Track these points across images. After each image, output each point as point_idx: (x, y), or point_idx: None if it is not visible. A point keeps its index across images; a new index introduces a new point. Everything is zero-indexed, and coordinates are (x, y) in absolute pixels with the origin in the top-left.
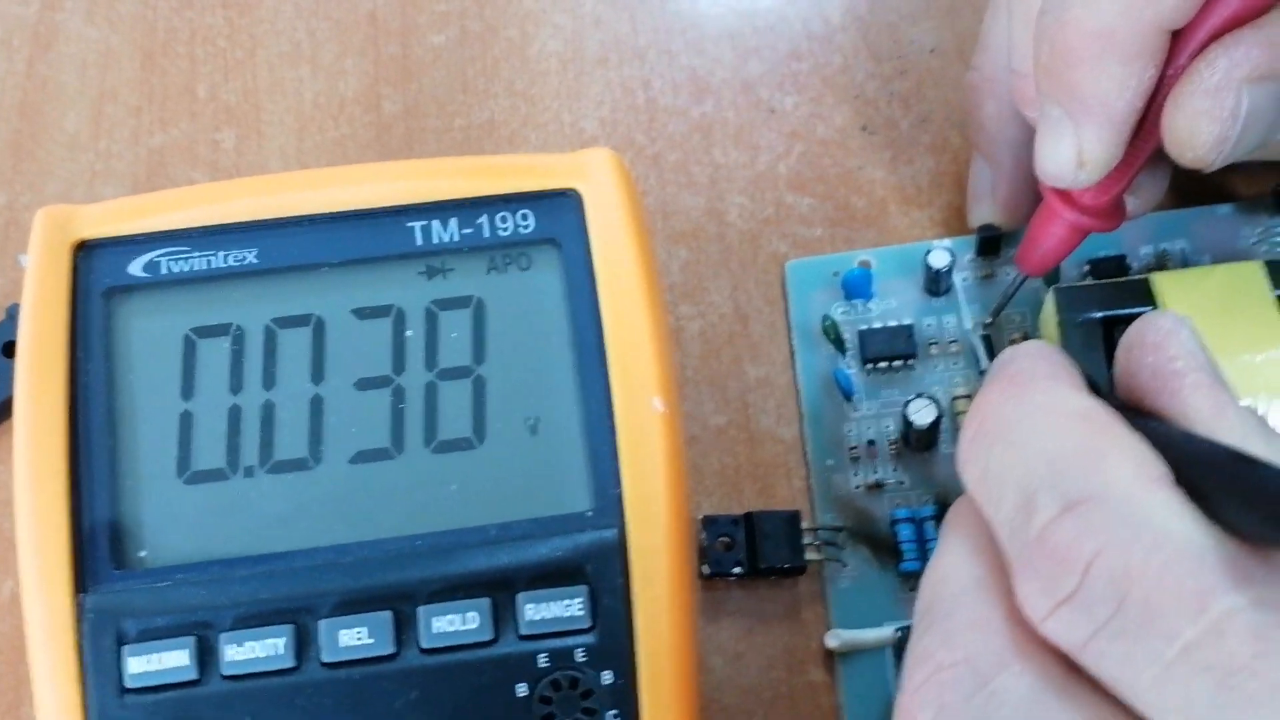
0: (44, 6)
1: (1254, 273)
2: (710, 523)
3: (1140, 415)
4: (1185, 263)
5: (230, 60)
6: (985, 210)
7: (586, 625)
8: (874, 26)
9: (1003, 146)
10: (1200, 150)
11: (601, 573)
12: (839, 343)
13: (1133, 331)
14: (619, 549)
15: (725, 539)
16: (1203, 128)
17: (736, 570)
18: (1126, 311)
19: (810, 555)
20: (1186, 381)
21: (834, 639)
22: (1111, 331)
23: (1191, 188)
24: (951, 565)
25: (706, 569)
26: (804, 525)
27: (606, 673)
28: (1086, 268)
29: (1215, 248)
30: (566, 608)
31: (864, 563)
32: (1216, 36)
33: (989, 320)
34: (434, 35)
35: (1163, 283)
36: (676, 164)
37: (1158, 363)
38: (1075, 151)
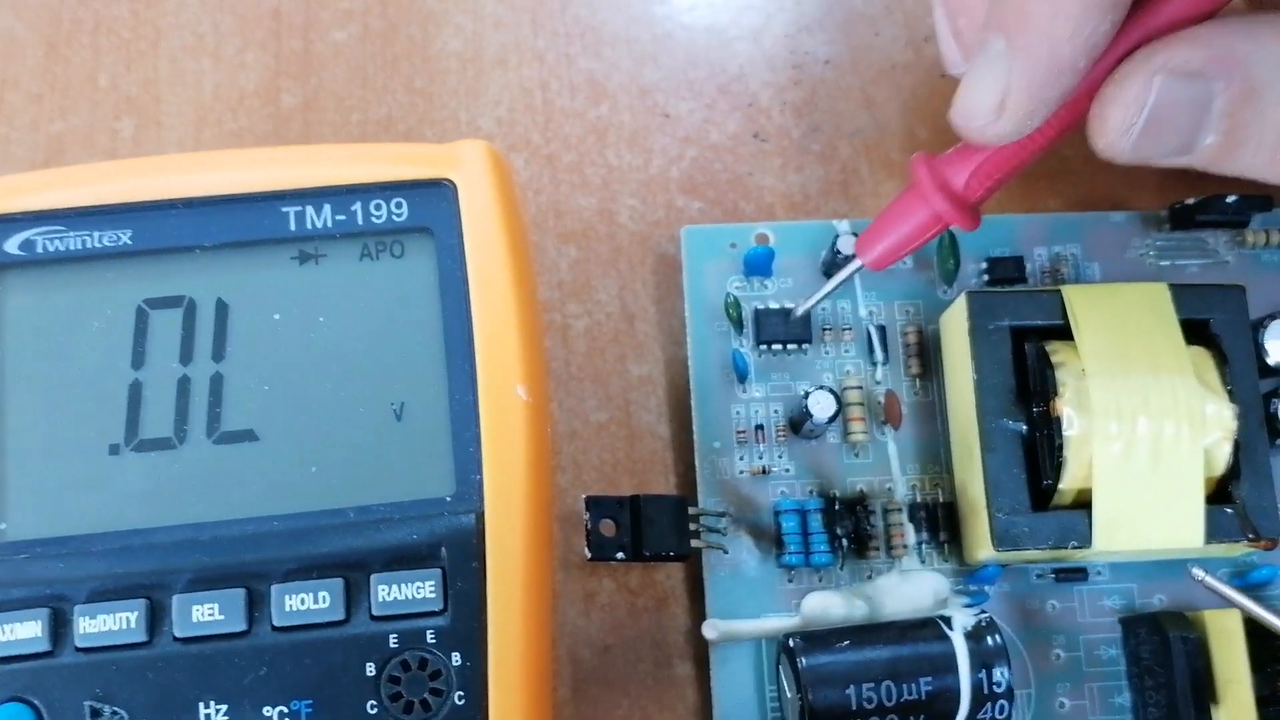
0: None
1: (1161, 294)
2: (595, 504)
3: None
4: (1077, 267)
5: (133, 51)
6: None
7: (438, 608)
8: (770, 36)
9: None
10: (1109, 136)
11: (457, 556)
12: (738, 322)
13: None
14: (476, 534)
15: (609, 521)
16: (1108, 113)
17: (620, 555)
18: (1037, 324)
19: (694, 543)
20: None
21: (711, 629)
22: (1021, 340)
23: (1087, 194)
24: None
25: (589, 552)
26: (690, 512)
27: (455, 654)
28: (985, 264)
29: (1105, 255)
30: (419, 590)
31: (745, 552)
32: (1160, 34)
33: (799, 311)
34: (336, 31)
35: (1074, 296)
36: (570, 165)
37: None
38: (1000, 93)
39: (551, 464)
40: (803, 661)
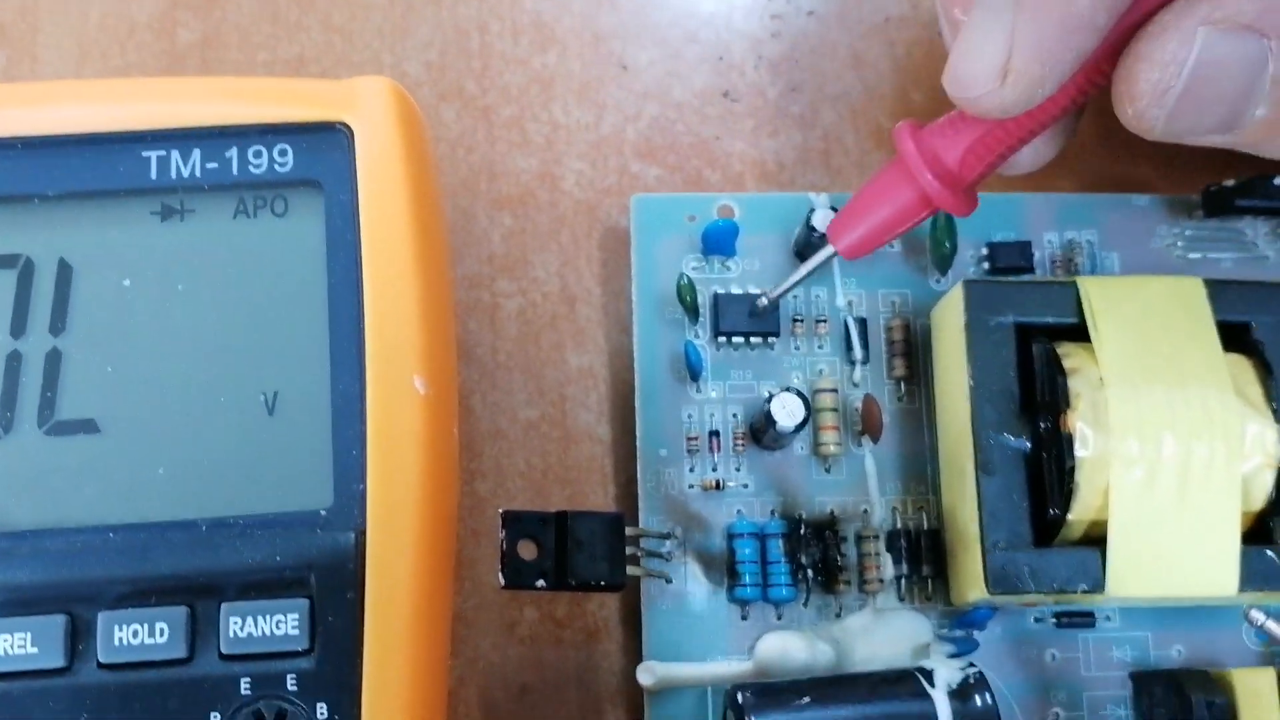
0: None
1: (1195, 291)
2: (513, 520)
3: None
4: (1094, 257)
5: None
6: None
7: (303, 647)
8: None
9: None
10: (1139, 103)
11: (328, 584)
12: (694, 309)
13: None
14: (354, 556)
15: (530, 542)
16: (1139, 74)
17: (540, 584)
18: (1048, 321)
19: (630, 569)
20: None
21: (647, 674)
22: (1028, 340)
23: (1106, 173)
24: None
25: (502, 579)
26: (628, 533)
27: (321, 705)
28: (985, 250)
29: (1126, 244)
30: (279, 624)
31: (692, 582)
32: None
33: (764, 301)
34: None
35: (1093, 289)
36: (510, 119)
37: None
38: (1003, 54)
39: (456, 472)
40: None
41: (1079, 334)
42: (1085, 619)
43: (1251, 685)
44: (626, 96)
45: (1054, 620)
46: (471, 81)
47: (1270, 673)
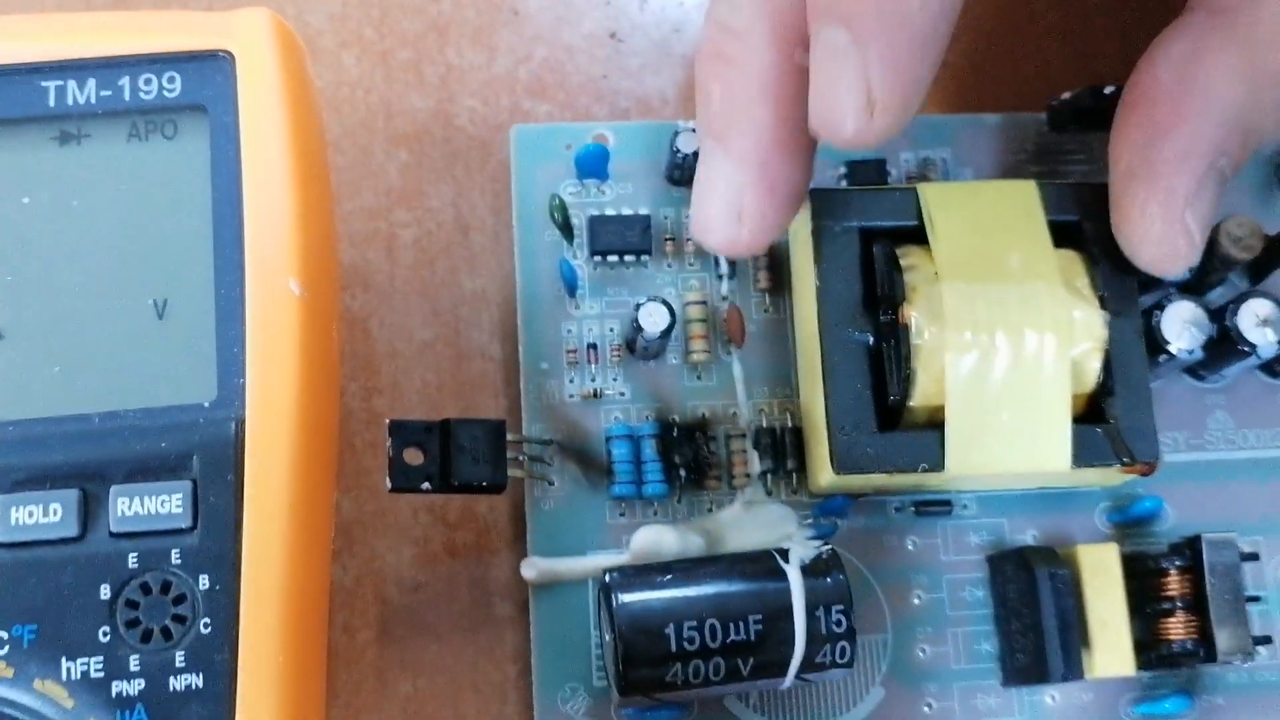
0: None
1: (1028, 193)
2: (398, 428)
3: None
4: (947, 174)
5: None
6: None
7: (186, 525)
8: None
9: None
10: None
11: (210, 468)
12: (566, 228)
13: None
14: (234, 443)
15: (415, 450)
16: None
17: (425, 486)
18: (889, 224)
19: (513, 472)
20: None
21: (530, 568)
22: (870, 243)
23: (966, 95)
24: None
25: (389, 482)
26: (509, 438)
27: (203, 577)
28: (843, 169)
29: (980, 160)
30: (164, 504)
31: (572, 483)
32: None
33: None
34: None
35: (931, 194)
36: (406, 62)
37: None
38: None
39: (336, 368)
40: (618, 598)
41: (920, 237)
42: (943, 507)
43: (1096, 559)
44: (518, 40)
45: (914, 509)
46: (370, 29)
47: (1113, 547)
